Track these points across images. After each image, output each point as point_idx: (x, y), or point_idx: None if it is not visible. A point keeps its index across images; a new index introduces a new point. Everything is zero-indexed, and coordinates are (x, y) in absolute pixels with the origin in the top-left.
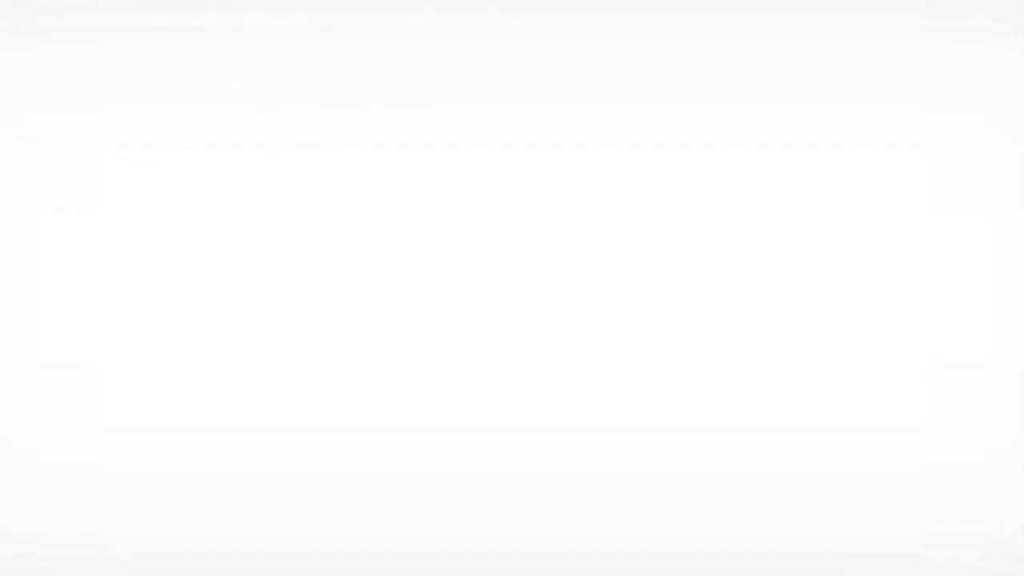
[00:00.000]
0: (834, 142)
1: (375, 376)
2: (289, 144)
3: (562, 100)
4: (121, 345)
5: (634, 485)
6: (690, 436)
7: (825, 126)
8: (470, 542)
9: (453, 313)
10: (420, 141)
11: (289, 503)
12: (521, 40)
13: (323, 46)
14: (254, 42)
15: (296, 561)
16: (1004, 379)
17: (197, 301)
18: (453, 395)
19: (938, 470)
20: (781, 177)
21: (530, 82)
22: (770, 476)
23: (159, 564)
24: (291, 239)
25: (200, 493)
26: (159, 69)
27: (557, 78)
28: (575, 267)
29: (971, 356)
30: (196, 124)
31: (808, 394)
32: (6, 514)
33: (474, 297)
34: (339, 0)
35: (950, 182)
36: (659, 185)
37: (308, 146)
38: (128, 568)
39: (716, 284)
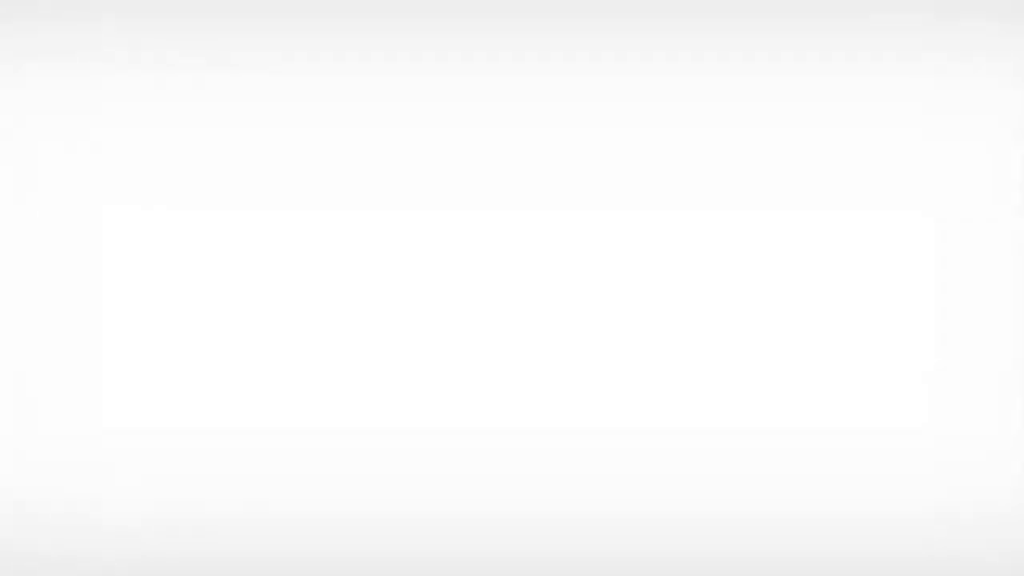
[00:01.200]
0: (837, 124)
1: (375, 376)
2: (292, 143)
3: (567, 125)
4: (121, 345)
5: (634, 485)
6: (690, 436)
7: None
8: (469, 542)
9: (452, 314)
10: (421, 152)
11: (289, 503)
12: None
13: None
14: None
15: (296, 560)
16: (1003, 380)
17: (196, 301)
18: (453, 397)
19: (938, 470)
20: (781, 173)
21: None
22: (770, 476)
23: (160, 564)
24: (291, 241)
25: (200, 493)
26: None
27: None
28: (575, 275)
29: (971, 356)
30: (196, 118)
31: (808, 394)
32: (5, 514)
33: (472, 301)
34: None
35: (951, 182)
36: (660, 237)
37: (310, 146)
38: (128, 568)
39: (716, 284)
